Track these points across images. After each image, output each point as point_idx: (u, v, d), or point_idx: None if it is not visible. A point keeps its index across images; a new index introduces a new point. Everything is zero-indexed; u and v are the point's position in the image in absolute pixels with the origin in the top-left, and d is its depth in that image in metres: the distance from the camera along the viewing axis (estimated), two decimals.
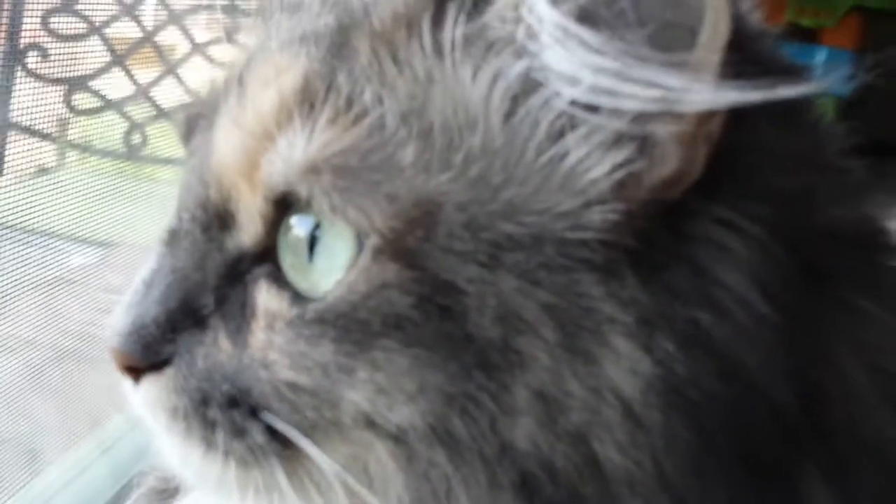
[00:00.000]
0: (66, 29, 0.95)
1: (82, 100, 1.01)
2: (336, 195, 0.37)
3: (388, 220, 0.36)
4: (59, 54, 0.95)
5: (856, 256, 0.40)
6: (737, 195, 0.36)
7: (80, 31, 0.97)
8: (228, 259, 0.41)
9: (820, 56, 1.47)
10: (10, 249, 0.97)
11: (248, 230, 0.41)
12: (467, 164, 0.37)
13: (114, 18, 1.00)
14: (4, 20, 0.89)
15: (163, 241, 0.43)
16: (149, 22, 1.04)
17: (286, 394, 0.38)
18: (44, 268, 1.02)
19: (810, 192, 0.39)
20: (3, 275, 0.93)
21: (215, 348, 0.40)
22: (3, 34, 0.89)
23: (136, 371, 0.42)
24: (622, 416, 0.35)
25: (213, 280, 0.41)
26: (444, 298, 0.36)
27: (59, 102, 0.98)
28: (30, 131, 0.96)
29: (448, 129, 0.37)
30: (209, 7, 1.04)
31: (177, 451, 0.42)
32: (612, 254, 0.36)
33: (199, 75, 1.04)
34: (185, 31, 1.05)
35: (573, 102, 0.36)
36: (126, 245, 1.06)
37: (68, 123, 1.05)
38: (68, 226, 1.04)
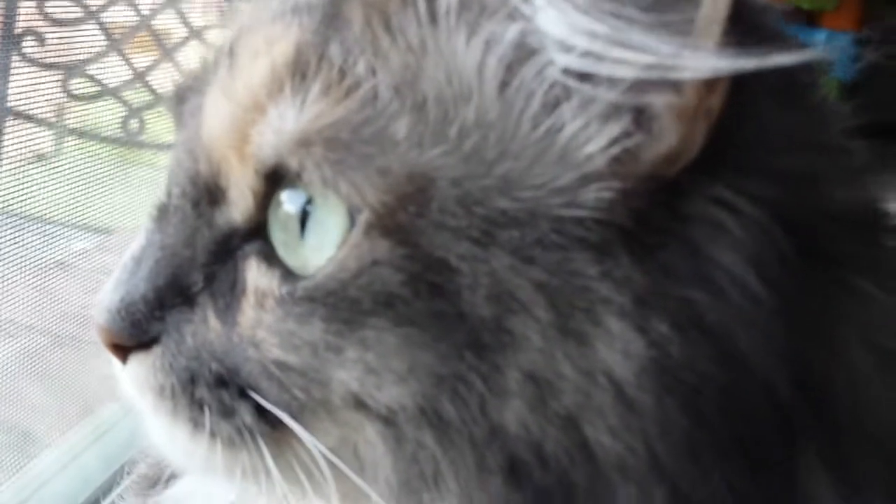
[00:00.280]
0: (63, 14, 0.94)
1: (79, 85, 1.00)
2: (327, 168, 0.36)
3: (380, 195, 0.36)
4: (56, 40, 0.95)
5: (858, 238, 0.39)
6: (735, 174, 0.36)
7: (77, 16, 0.97)
8: (218, 235, 0.41)
9: (819, 39, 1.46)
10: (8, 236, 0.96)
11: (239, 205, 0.40)
12: (461, 137, 0.36)
13: (110, 3, 1.00)
14: (0, 6, 0.88)
15: (152, 216, 0.43)
16: (145, 7, 1.03)
17: (275, 373, 0.37)
18: (42, 254, 1.01)
19: (812, 173, 0.38)
20: (1, 261, 0.92)
21: (204, 326, 0.40)
22: None
23: (123, 349, 0.41)
24: (614, 400, 0.35)
25: (202, 257, 0.41)
26: (435, 276, 0.35)
27: (56, 88, 0.98)
28: (27, 117, 0.96)
29: (442, 101, 0.36)
30: None
31: (164, 432, 0.41)
32: (608, 232, 0.35)
33: (196, 60, 1.04)
34: (182, 16, 1.05)
35: (566, 71, 0.35)
36: (124, 230, 1.06)
37: (65, 109, 1.04)
38: (66, 212, 1.03)
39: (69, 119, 1.06)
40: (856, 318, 0.38)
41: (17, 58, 0.90)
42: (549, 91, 0.36)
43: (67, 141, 1.08)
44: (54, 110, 1.03)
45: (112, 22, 1.01)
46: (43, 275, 0.98)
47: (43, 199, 1.01)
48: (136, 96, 1.05)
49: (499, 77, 0.36)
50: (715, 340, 0.35)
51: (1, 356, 0.87)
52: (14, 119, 0.94)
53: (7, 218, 0.99)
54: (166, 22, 1.07)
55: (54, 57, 0.95)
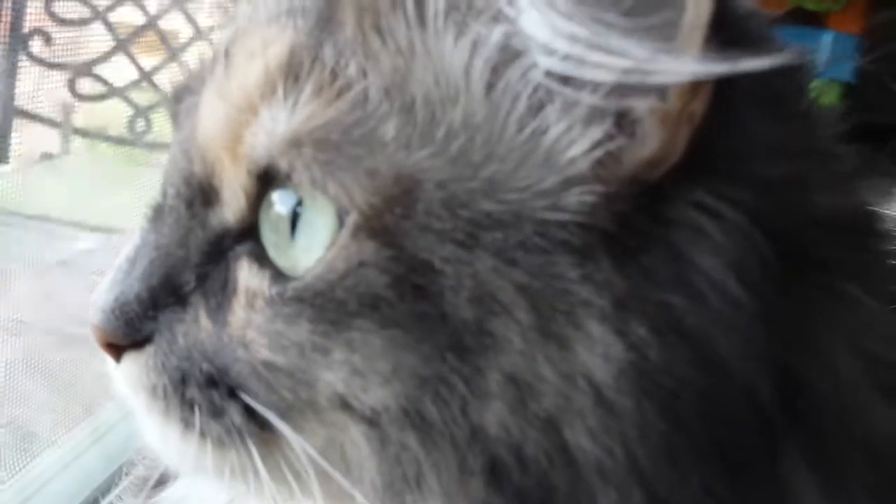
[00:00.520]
0: (70, 14, 0.95)
1: (86, 85, 1.01)
2: (316, 169, 0.37)
3: (367, 196, 0.36)
4: (63, 40, 0.95)
5: (846, 243, 0.40)
6: (718, 179, 0.36)
7: (84, 16, 0.97)
8: (211, 235, 0.41)
9: (826, 40, 1.44)
10: (15, 235, 0.97)
11: (232, 206, 0.40)
12: (448, 139, 0.36)
13: (117, 3, 1.00)
14: (8, 6, 0.89)
15: (147, 217, 0.43)
16: (152, 7, 1.04)
17: (263, 374, 0.38)
18: (48, 253, 1.02)
19: (798, 180, 0.38)
20: (8, 260, 0.93)
21: (195, 326, 0.40)
22: (6, 20, 0.89)
23: (117, 348, 0.42)
24: (594, 403, 0.35)
25: (195, 257, 0.41)
26: (420, 278, 0.36)
27: (63, 88, 0.98)
28: (34, 117, 0.96)
29: (430, 103, 0.37)
30: None
31: (156, 431, 0.42)
32: (590, 236, 0.35)
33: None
34: (189, 17, 1.05)
35: (549, 73, 0.35)
36: (131, 230, 1.06)
37: (73, 109, 1.05)
38: (73, 211, 1.04)
39: (76, 119, 1.07)
40: (842, 323, 0.38)
41: (24, 58, 0.91)
42: (534, 93, 0.36)
43: (75, 141, 1.09)
44: (61, 110, 1.03)
45: (119, 22, 1.02)
46: (47, 274, 0.99)
47: (50, 198, 1.02)
48: (143, 97, 1.05)
49: (485, 79, 0.36)
50: (694, 344, 0.35)
51: (4, 355, 0.87)
52: (22, 119, 0.94)
53: (15, 217, 1.00)
54: (173, 22, 1.08)
55: (61, 57, 0.96)
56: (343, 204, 0.37)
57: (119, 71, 1.03)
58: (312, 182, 0.37)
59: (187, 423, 0.40)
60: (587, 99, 0.35)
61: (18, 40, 0.90)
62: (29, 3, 0.92)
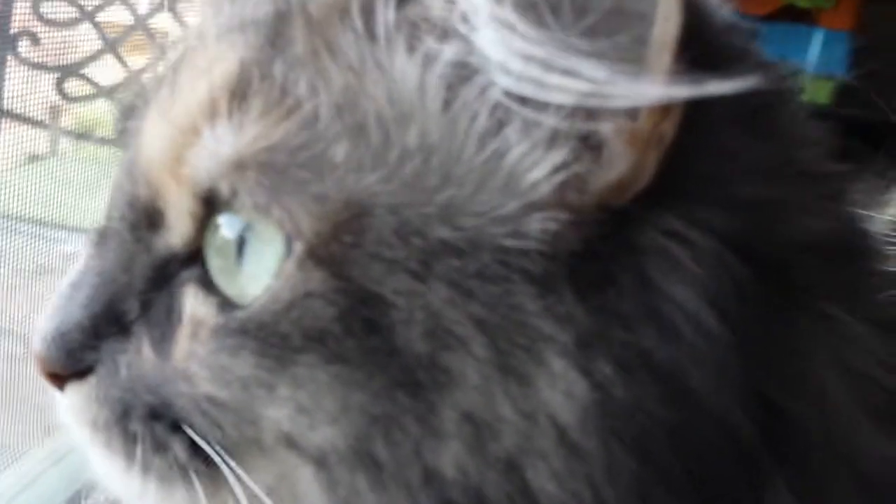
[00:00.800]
0: (58, 15, 0.94)
1: (74, 86, 1.00)
2: (260, 193, 0.35)
3: (314, 223, 0.34)
4: (51, 41, 0.94)
5: (829, 266, 0.37)
6: (691, 204, 0.34)
7: (72, 17, 0.96)
8: (156, 260, 0.39)
9: (817, 38, 1.42)
10: (1, 238, 0.96)
11: (178, 230, 0.38)
12: (402, 161, 0.34)
13: (106, 3, 0.99)
14: None
15: (92, 241, 0.41)
16: (141, 7, 1.02)
17: (206, 409, 0.36)
18: (35, 256, 1.01)
19: (777, 203, 0.36)
20: None
21: (138, 357, 0.38)
22: None
23: (59, 378, 0.40)
24: (557, 443, 0.33)
25: (139, 283, 0.39)
26: (369, 311, 0.34)
27: (51, 89, 0.97)
28: (22, 119, 0.95)
29: (383, 123, 0.35)
30: None
31: (101, 463, 0.40)
32: (552, 265, 0.33)
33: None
34: (178, 17, 1.03)
35: (507, 93, 0.33)
36: None
37: (60, 110, 1.04)
38: (60, 214, 1.03)
39: (64, 120, 1.06)
40: (828, 347, 0.37)
41: (11, 58, 0.90)
42: (493, 113, 0.34)
43: (62, 142, 1.08)
44: (49, 112, 1.02)
45: (107, 22, 1.01)
46: (37, 277, 0.98)
47: (38, 200, 1.01)
48: None
49: (441, 96, 0.34)
50: (664, 380, 0.33)
51: None
52: (9, 120, 0.93)
53: (2, 220, 0.98)
54: (162, 22, 1.06)
55: (49, 58, 0.95)
56: (288, 230, 0.35)
57: (107, 72, 1.02)
58: (255, 207, 0.35)
59: (130, 457, 0.38)
60: (548, 120, 0.33)
61: (6, 41, 0.89)
62: (16, 4, 0.91)
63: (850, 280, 0.39)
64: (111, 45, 1.01)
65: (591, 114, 0.32)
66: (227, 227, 0.37)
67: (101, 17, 0.99)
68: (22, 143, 1.00)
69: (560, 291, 0.33)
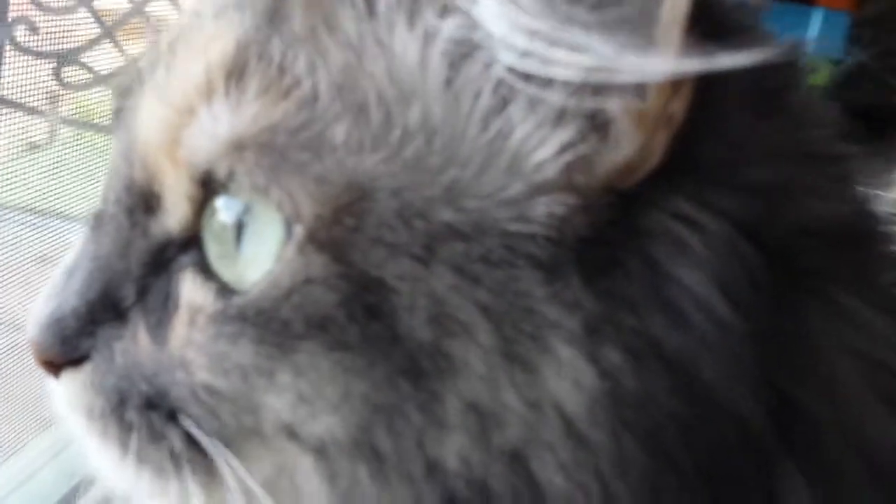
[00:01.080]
0: (55, 2, 0.93)
1: (72, 74, 0.99)
2: (259, 174, 0.34)
3: (315, 206, 0.33)
4: (48, 28, 0.93)
5: (840, 251, 0.37)
6: (699, 187, 0.33)
7: (69, 3, 0.95)
8: (153, 245, 0.38)
9: (816, 18, 1.41)
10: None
11: (175, 214, 0.37)
12: (403, 142, 0.33)
13: None
14: None
15: (89, 225, 0.40)
16: None
17: (203, 398, 0.35)
18: (33, 246, 1.00)
19: (788, 185, 0.35)
20: None
21: (134, 344, 0.37)
22: None
23: (54, 366, 0.39)
24: (564, 434, 0.32)
25: (136, 269, 0.38)
26: (371, 297, 0.33)
27: (48, 77, 0.96)
28: (19, 107, 0.94)
29: (384, 102, 0.34)
30: None
31: (94, 454, 0.39)
32: (558, 250, 0.32)
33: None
34: (175, 3, 1.02)
35: (511, 70, 0.32)
36: None
37: (58, 98, 1.03)
38: (59, 202, 1.02)
39: (62, 108, 1.05)
40: (839, 334, 0.36)
41: (8, 46, 0.89)
42: (496, 90, 0.33)
43: (61, 130, 1.07)
44: (47, 99, 1.01)
45: (104, 9, 1.00)
46: (36, 267, 0.97)
47: (37, 189, 1.00)
48: None
49: (443, 74, 0.33)
50: (675, 370, 0.32)
51: None
52: (6, 108, 0.92)
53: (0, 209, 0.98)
54: (160, 8, 1.05)
55: (47, 45, 0.94)
56: (288, 213, 0.34)
57: (105, 59, 1.01)
58: (254, 188, 0.34)
59: (125, 447, 0.37)
60: (553, 97, 0.32)
61: (2, 28, 0.88)
62: None
63: (860, 265, 0.38)
64: (109, 32, 1.00)
65: (597, 90, 0.31)
66: (225, 210, 0.36)
67: (98, 3, 0.98)
68: (20, 131, 0.99)
69: (567, 277, 0.32)
